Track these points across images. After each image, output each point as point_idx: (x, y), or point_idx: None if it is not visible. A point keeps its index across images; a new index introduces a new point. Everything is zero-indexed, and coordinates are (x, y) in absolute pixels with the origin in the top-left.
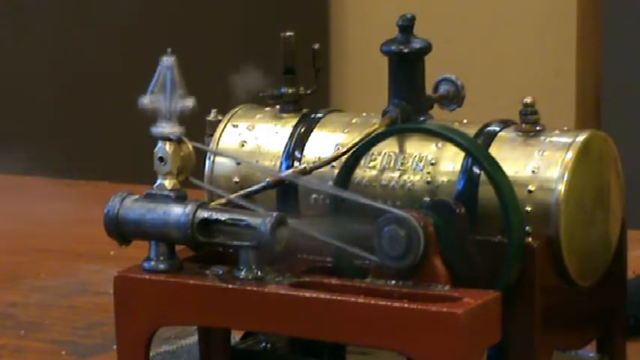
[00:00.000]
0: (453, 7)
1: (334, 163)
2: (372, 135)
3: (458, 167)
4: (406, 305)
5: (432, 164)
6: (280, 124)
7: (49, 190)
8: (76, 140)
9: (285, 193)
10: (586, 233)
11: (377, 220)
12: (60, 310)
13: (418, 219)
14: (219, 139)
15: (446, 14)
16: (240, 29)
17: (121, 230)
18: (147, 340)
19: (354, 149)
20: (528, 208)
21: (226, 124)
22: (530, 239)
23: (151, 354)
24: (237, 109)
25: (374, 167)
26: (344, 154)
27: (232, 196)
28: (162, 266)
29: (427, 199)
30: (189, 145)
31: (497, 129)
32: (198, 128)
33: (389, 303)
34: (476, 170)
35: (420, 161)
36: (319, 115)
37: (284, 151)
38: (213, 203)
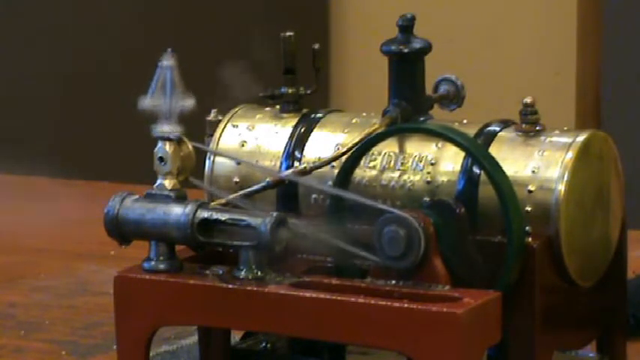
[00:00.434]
0: (452, 8)
1: (334, 163)
2: (372, 135)
3: (458, 167)
4: (406, 305)
5: (432, 164)
6: (280, 124)
7: (49, 190)
8: (76, 140)
9: (285, 193)
10: (586, 233)
11: (377, 220)
12: (60, 310)
13: (418, 219)
14: (219, 139)
15: (446, 14)
16: (240, 29)
17: (121, 230)
18: (147, 340)
19: (354, 149)
20: (528, 208)
21: (226, 124)
22: (530, 239)
23: (151, 354)
24: (237, 109)
25: (374, 167)
26: (344, 154)
27: (232, 196)
28: (162, 266)
29: (427, 199)
30: (189, 145)
31: (498, 129)
32: (198, 128)
33: (389, 303)
34: (476, 170)
35: (420, 161)
36: (319, 115)
37: (284, 151)
38: (213, 203)
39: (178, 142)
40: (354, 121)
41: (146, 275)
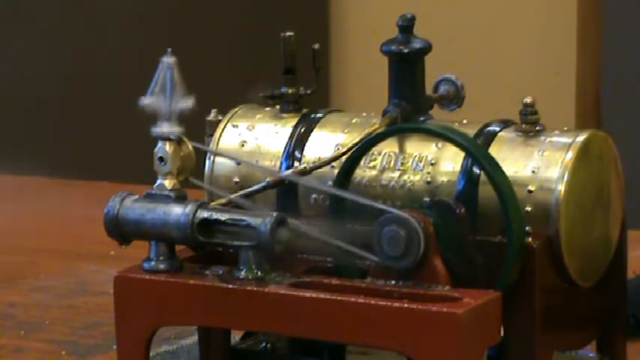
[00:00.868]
0: (452, 8)
1: (334, 163)
2: (372, 135)
3: (458, 167)
4: (406, 305)
5: (432, 164)
6: (280, 124)
7: (49, 190)
8: (76, 140)
9: (285, 193)
10: (586, 233)
11: (377, 221)
12: (60, 310)
13: (418, 219)
14: (219, 139)
15: (446, 14)
16: (240, 29)
17: (121, 230)
18: (147, 340)
19: (354, 149)
20: (528, 208)
21: (226, 124)
22: (530, 239)
23: (151, 354)
24: (237, 109)
25: (374, 167)
26: (344, 154)
27: (232, 196)
28: (162, 266)
29: (427, 199)
30: (189, 145)
31: (497, 129)
32: (198, 128)
33: (389, 303)
34: (476, 170)
35: (420, 161)
36: (319, 115)
37: (284, 151)
38: (213, 203)
39: (178, 142)
40: (354, 121)
41: (146, 275)
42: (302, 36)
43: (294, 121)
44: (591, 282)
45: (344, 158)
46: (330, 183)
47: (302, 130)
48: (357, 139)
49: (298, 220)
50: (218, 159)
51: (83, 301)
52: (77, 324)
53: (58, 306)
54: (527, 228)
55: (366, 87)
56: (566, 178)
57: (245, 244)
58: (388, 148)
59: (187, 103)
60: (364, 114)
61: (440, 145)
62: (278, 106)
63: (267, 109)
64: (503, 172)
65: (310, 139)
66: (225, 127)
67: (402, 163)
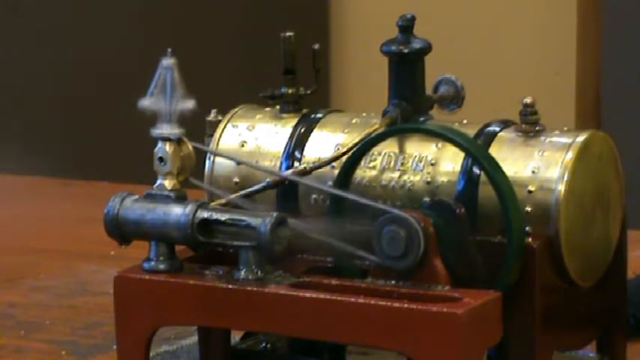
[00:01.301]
0: (452, 8)
1: (334, 164)
2: (372, 135)
3: (458, 167)
4: (406, 305)
5: (432, 164)
6: (280, 124)
7: (49, 190)
8: (76, 140)
9: (285, 193)
10: (586, 233)
11: (377, 221)
12: (60, 310)
13: (418, 219)
14: (219, 140)
15: (446, 14)
16: (240, 29)
17: (121, 230)
18: (147, 340)
19: (354, 149)
20: (528, 209)
21: (226, 124)
22: (530, 239)
23: (151, 354)
24: (237, 109)
25: (374, 167)
26: (344, 154)
27: (232, 196)
28: (162, 266)
29: (427, 199)
30: (189, 146)
31: (497, 129)
32: (198, 128)
33: (389, 303)
34: (476, 170)
35: (420, 161)
36: (319, 115)
37: (284, 151)
38: (213, 203)
39: (178, 142)
40: (354, 121)
41: (146, 275)
42: (302, 36)
43: (294, 122)
44: (591, 282)
45: (344, 158)
46: (330, 183)
47: (302, 130)
48: (357, 140)
49: (298, 221)
50: (218, 159)
51: (83, 301)
52: (77, 324)
53: (58, 306)
54: (527, 228)
55: (366, 87)
56: (566, 178)
57: (245, 244)
58: (388, 148)
59: (187, 103)
60: (364, 114)
61: (440, 145)
62: (278, 107)
63: (267, 109)
64: (503, 172)
65: (310, 139)
66: (225, 127)
67: (402, 164)
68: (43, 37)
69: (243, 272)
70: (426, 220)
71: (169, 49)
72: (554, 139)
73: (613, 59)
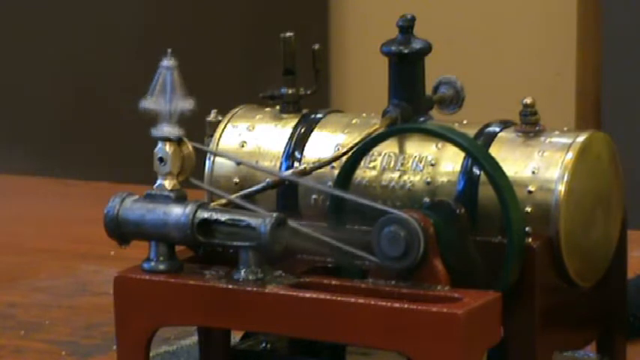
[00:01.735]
0: (452, 8)
1: (334, 164)
2: (372, 135)
3: (458, 168)
4: (406, 306)
5: (432, 165)
6: (280, 124)
7: (49, 190)
8: (77, 140)
9: (285, 193)
10: (586, 233)
11: (377, 221)
12: (60, 310)
13: (418, 220)
14: (219, 140)
15: (446, 14)
16: (240, 29)
17: (121, 231)
18: (147, 341)
19: (354, 150)
20: (528, 209)
21: (226, 124)
22: (530, 239)
23: (151, 354)
24: (237, 110)
25: (374, 168)
26: (344, 154)
27: (232, 196)
28: (162, 267)
29: (427, 199)
30: (189, 146)
31: (497, 129)
32: (198, 129)
33: (389, 303)
34: (476, 171)
35: (420, 162)
36: (319, 115)
37: (284, 151)
38: (213, 204)
39: (178, 142)
40: (354, 121)
41: (146, 276)
42: (302, 36)
43: (294, 122)
44: (591, 282)
45: (344, 159)
46: (330, 183)
47: (302, 130)
48: (357, 140)
49: (298, 221)
50: (218, 159)
51: (83, 301)
52: (77, 324)
53: (58, 306)
54: (527, 228)
55: (366, 87)
56: (566, 178)
57: (245, 244)
58: (388, 148)
59: (187, 104)
60: (364, 114)
61: (440, 145)
62: (278, 107)
63: (267, 109)
64: (503, 173)
65: (310, 139)
66: (225, 127)
67: (402, 164)
68: (43, 37)
69: (243, 272)
70: (426, 220)
71: (169, 50)
72: (554, 139)
73: (613, 59)
